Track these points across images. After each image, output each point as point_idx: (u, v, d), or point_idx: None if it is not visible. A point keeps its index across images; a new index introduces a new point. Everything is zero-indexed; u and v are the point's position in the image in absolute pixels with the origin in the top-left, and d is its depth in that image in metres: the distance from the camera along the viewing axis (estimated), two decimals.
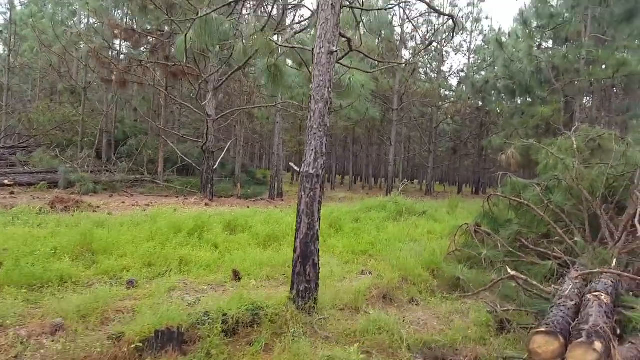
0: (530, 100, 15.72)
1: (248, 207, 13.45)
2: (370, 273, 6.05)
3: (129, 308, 4.06)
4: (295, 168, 4.34)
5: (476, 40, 33.49)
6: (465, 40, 32.29)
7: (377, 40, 20.22)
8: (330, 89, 4.15)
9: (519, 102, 17.26)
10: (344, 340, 3.66)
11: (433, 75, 29.29)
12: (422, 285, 5.36)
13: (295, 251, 4.15)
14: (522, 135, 16.07)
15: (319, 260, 4.24)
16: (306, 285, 4.05)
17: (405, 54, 26.81)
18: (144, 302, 4.23)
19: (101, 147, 18.75)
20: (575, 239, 6.03)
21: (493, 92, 16.49)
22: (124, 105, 24.77)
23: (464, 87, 31.06)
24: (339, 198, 19.94)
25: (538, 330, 2.90)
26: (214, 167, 13.31)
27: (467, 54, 31.97)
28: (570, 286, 4.23)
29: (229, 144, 15.20)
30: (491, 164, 38.57)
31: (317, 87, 4.10)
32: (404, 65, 21.01)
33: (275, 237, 7.37)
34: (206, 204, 12.53)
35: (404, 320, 4.21)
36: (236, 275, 5.26)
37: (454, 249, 6.92)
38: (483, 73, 16.40)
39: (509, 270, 4.75)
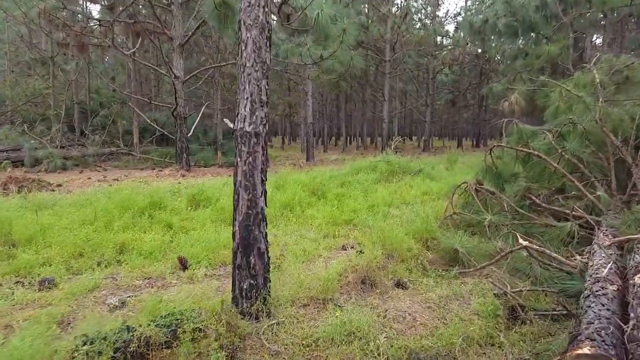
0: (535, 39, 14.28)
1: (229, 175, 12.39)
2: (352, 247, 5.05)
3: (19, 322, 3.06)
4: (230, 124, 3.23)
5: None
6: None
7: None
8: (268, 10, 2.97)
9: (522, 43, 15.80)
10: (300, 356, 2.67)
11: (428, 22, 27.45)
12: (412, 261, 4.35)
13: (234, 238, 3.10)
14: (526, 79, 14.77)
15: (267, 247, 3.20)
16: (251, 282, 3.02)
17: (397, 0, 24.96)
18: (48, 311, 3.24)
19: (75, 120, 17.51)
20: (598, 192, 4.96)
21: (493, 33, 14.98)
22: (100, 73, 23.36)
23: (461, 33, 29.28)
24: (331, 160, 18.84)
25: (577, 351, 1.87)
26: (188, 135, 12.13)
27: None
28: (603, 258, 3.20)
29: (203, 106, 13.92)
30: (491, 115, 37.19)
31: (247, 6, 2.92)
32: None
33: None
34: (182, 175, 11.47)
35: (385, 317, 3.21)
36: (183, 264, 4.25)
37: (451, 212, 5.89)
38: (481, 16, 14.88)
39: (520, 239, 3.72)
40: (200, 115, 14.75)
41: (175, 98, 11.55)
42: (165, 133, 12.69)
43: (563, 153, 5.94)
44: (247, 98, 2.89)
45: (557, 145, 6.17)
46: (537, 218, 5.00)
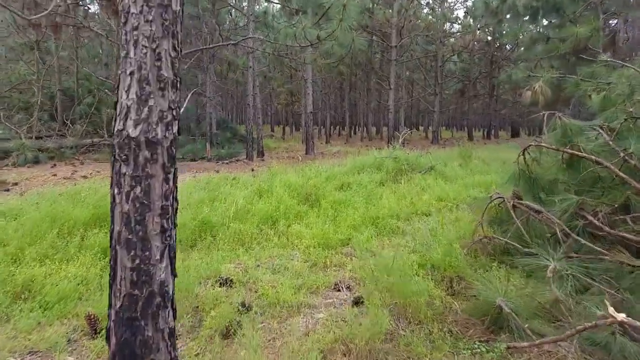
0: (558, 21, 12.72)
1: (217, 171, 11.03)
2: (348, 288, 3.69)
3: None
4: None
5: None
6: None
7: None
8: None
9: (541, 26, 14.22)
10: None
11: (436, 6, 25.73)
12: (434, 324, 2.97)
13: (107, 340, 1.71)
14: (547, 66, 13.25)
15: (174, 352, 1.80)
16: None
17: None
18: None
19: (57, 108, 16.15)
20: None
21: (511, 14, 13.43)
22: (94, 59, 21.96)
23: (471, 20, 27.61)
24: (332, 153, 17.42)
25: None
26: None
27: None
28: None
29: (189, 94, 12.48)
30: (501, 105, 35.54)
31: None
32: None
33: (206, 225, 4.96)
34: None
35: None
36: (92, 325, 2.89)
37: (481, 236, 4.50)
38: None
39: (610, 308, 2.35)
40: (188, 104, 13.33)
41: None
42: None
43: (627, 157, 4.51)
44: (131, 74, 1.52)
45: (616, 146, 4.75)
46: (607, 253, 3.59)
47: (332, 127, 38.19)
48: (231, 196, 6.07)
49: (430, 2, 26.22)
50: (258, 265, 4.09)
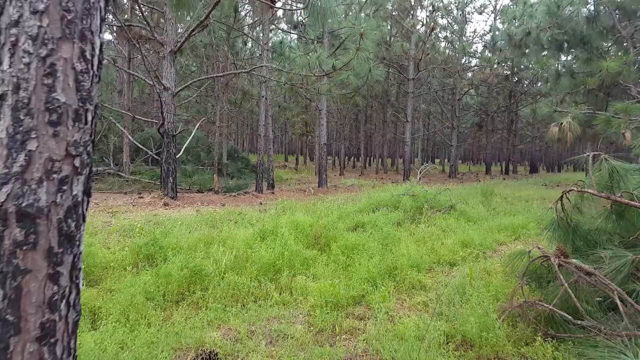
0: (586, 55, 12.12)
1: (223, 205, 10.47)
2: None
3: None
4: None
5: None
6: (489, 0, 28.29)
7: None
8: None
9: (565, 61, 13.68)
10: None
11: (454, 38, 25.46)
12: None
13: None
14: (571, 101, 12.62)
15: None
16: None
17: (421, 15, 23.11)
18: None
19: None
20: None
21: (536, 47, 12.89)
22: (106, 85, 21.94)
23: (489, 53, 27.26)
24: (346, 186, 16.79)
25: None
26: (177, 155, 10.27)
27: (493, 14, 28.06)
28: None
29: (199, 122, 12.11)
30: (519, 140, 34.76)
31: None
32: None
33: (196, 276, 4.30)
34: (165, 204, 9.58)
35: None
36: None
37: (521, 300, 3.76)
38: (523, 27, 12.85)
39: None
40: (198, 132, 12.94)
41: (162, 112, 9.74)
42: (150, 152, 10.89)
43: None
44: (1, 97, 0.92)
45: None
46: None
47: (346, 158, 37.73)
48: (230, 239, 5.43)
49: (448, 35, 26.01)
50: (252, 332, 3.40)
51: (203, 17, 9.21)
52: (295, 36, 21.32)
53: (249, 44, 19.91)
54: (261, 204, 11.01)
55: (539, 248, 4.11)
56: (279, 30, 21.68)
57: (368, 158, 37.90)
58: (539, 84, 28.25)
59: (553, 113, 12.04)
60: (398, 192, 10.01)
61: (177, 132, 10.50)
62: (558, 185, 21.04)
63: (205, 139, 17.92)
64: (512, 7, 25.96)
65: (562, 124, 10.76)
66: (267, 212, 8.93)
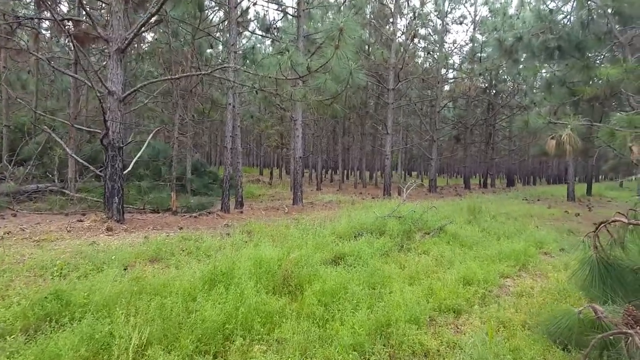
0: (582, 63, 11.28)
1: (180, 228, 9.02)
2: None
3: None
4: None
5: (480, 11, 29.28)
6: (469, 11, 27.82)
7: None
8: None
9: (557, 67, 12.83)
10: None
11: (434, 48, 24.75)
12: None
13: None
14: (562, 113, 11.75)
15: None
16: None
17: (401, 23, 22.28)
18: None
19: (2, 147, 14.14)
20: None
21: (527, 54, 12.01)
22: (60, 92, 20.09)
23: (468, 65, 26.71)
24: (324, 203, 15.50)
25: None
26: (123, 170, 8.77)
27: (472, 25, 27.59)
28: None
29: (152, 132, 10.62)
30: (497, 154, 34.31)
31: None
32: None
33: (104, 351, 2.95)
34: (108, 229, 8.07)
35: None
36: None
37: None
38: (513, 32, 12.06)
39: None
40: (157, 145, 11.49)
41: (105, 120, 8.28)
42: (90, 167, 9.32)
43: None
44: None
45: None
46: None
47: (324, 170, 36.54)
48: (168, 287, 4.07)
49: (428, 46, 25.31)
50: None
51: (154, 10, 7.87)
52: (269, 42, 20.17)
53: (220, 48, 18.59)
54: (227, 225, 9.62)
55: (593, 308, 2.91)
56: (253, 36, 20.49)
57: (346, 171, 36.80)
58: (516, 97, 27.86)
59: (547, 125, 11.03)
60: (382, 213, 8.81)
61: (126, 143, 9.04)
62: (539, 200, 20.39)
63: (170, 150, 16.40)
64: (490, 18, 25.57)
65: (560, 136, 9.75)
66: (231, 237, 7.58)
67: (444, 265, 6.02)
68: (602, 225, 3.68)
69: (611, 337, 2.58)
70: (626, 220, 3.50)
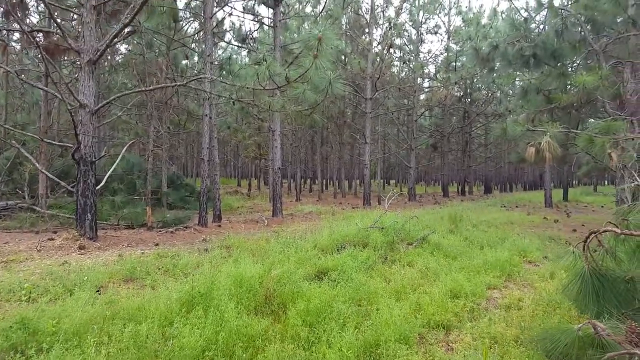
0: (558, 70, 11.47)
1: (156, 244, 8.69)
2: None
3: None
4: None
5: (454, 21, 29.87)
6: (443, 21, 28.30)
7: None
8: None
9: (532, 77, 13.05)
10: None
11: (410, 58, 25.00)
12: None
13: None
14: (539, 120, 11.93)
15: None
16: None
17: (377, 33, 22.44)
18: None
19: None
20: None
21: (503, 62, 12.15)
22: (31, 107, 19.43)
23: (444, 74, 27.09)
24: (304, 214, 15.29)
25: None
26: (96, 186, 8.41)
27: (446, 35, 28.02)
28: None
29: (126, 145, 10.26)
30: (474, 161, 34.79)
31: None
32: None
33: None
34: (80, 248, 7.69)
35: None
36: None
37: None
38: (489, 41, 12.20)
39: None
40: (132, 158, 11.12)
41: (77, 134, 7.94)
42: (61, 183, 8.91)
43: None
44: None
45: None
46: None
47: (302, 180, 36.34)
48: (143, 311, 3.81)
49: (404, 55, 25.56)
50: None
51: (127, 20, 7.62)
52: (246, 53, 20.00)
53: (195, 59, 18.30)
54: (204, 240, 9.33)
55: (593, 325, 2.80)
56: (229, 46, 20.29)
57: (325, 181, 36.70)
58: (491, 105, 28.35)
59: (525, 132, 11.15)
60: (364, 224, 8.68)
61: (99, 157, 8.69)
62: (517, 206, 20.65)
63: (144, 163, 15.97)
64: (464, 28, 25.99)
65: (540, 143, 9.83)
66: (210, 253, 7.31)
67: (430, 278, 5.90)
68: (593, 235, 3.61)
69: (615, 358, 2.46)
70: (619, 231, 3.43)
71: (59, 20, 10.75)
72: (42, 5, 9.61)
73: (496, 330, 4.13)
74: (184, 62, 16.71)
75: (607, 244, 3.75)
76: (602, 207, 21.63)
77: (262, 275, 4.97)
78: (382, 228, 8.28)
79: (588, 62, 12.11)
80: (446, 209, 16.36)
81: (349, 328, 3.84)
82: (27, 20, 13.26)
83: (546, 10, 11.32)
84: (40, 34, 11.24)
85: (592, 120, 12.82)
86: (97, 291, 5.02)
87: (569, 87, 11.32)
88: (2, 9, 10.23)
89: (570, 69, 11.95)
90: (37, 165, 9.18)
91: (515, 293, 5.48)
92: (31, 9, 14.14)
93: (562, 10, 11.00)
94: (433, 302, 4.75)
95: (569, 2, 11.48)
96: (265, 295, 4.53)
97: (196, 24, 15.91)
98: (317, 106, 8.06)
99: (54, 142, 9.98)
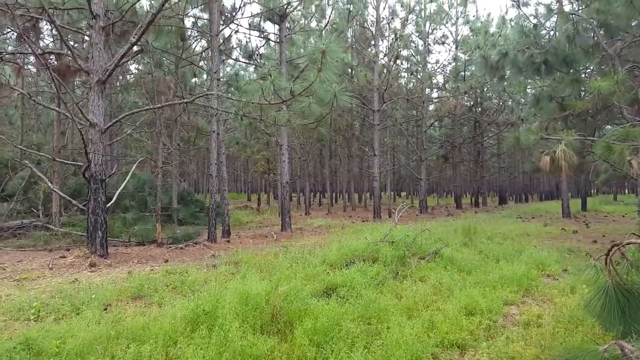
0: (571, 77, 11.27)
1: (166, 261, 8.62)
2: None
3: None
4: None
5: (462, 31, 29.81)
6: (450, 31, 28.27)
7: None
8: None
9: (543, 82, 12.85)
10: None
11: (418, 69, 24.95)
12: None
13: None
14: (557, 127, 11.69)
15: None
16: None
17: (383, 45, 22.47)
18: None
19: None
20: None
21: (513, 70, 11.98)
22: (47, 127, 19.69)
23: (452, 83, 26.96)
24: (313, 228, 15.15)
25: None
26: (106, 203, 8.41)
27: (454, 44, 27.95)
28: None
29: (135, 163, 10.30)
30: (487, 172, 34.37)
31: None
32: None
33: None
34: (91, 265, 7.65)
35: None
36: None
37: None
38: (498, 49, 12.07)
39: None
40: (143, 175, 11.12)
41: (87, 153, 7.97)
42: (73, 201, 8.95)
43: None
44: None
45: None
46: None
47: (312, 194, 36.24)
48: (147, 330, 3.69)
49: (411, 66, 25.53)
50: None
51: (134, 40, 7.67)
52: (253, 69, 20.14)
53: (204, 76, 18.46)
54: (213, 256, 9.23)
55: (620, 347, 2.61)
56: (236, 63, 20.44)
57: (334, 194, 36.54)
58: (503, 114, 28.06)
59: (539, 141, 10.94)
60: (374, 238, 8.50)
61: (109, 175, 8.70)
62: (533, 217, 20.21)
63: (155, 180, 16.02)
64: (472, 37, 25.88)
65: (555, 152, 9.60)
66: (217, 269, 7.21)
67: (443, 294, 5.70)
68: (616, 247, 3.42)
69: None
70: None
71: (70, 43, 10.91)
72: (54, 28, 9.75)
73: (514, 349, 3.93)
74: (192, 80, 16.86)
75: (632, 257, 3.56)
76: (623, 216, 21.07)
77: (269, 292, 4.83)
78: (393, 242, 8.09)
79: (602, 67, 11.86)
80: (459, 221, 16.08)
81: (358, 348, 3.68)
82: (40, 43, 13.54)
83: (556, 16, 11.15)
84: (53, 56, 11.42)
85: (609, 127, 12.52)
86: (105, 309, 4.95)
87: (583, 93, 11.10)
88: (16, 33, 10.41)
89: (583, 75, 11.72)
90: (50, 184, 9.23)
91: (534, 309, 5.25)
92: (45, 32, 14.40)
93: (573, 16, 10.83)
94: (447, 320, 4.55)
95: (580, 7, 11.32)
96: (271, 313, 4.39)
97: (204, 42, 16.09)
98: (322, 119, 7.98)
99: (66, 161, 10.08)
